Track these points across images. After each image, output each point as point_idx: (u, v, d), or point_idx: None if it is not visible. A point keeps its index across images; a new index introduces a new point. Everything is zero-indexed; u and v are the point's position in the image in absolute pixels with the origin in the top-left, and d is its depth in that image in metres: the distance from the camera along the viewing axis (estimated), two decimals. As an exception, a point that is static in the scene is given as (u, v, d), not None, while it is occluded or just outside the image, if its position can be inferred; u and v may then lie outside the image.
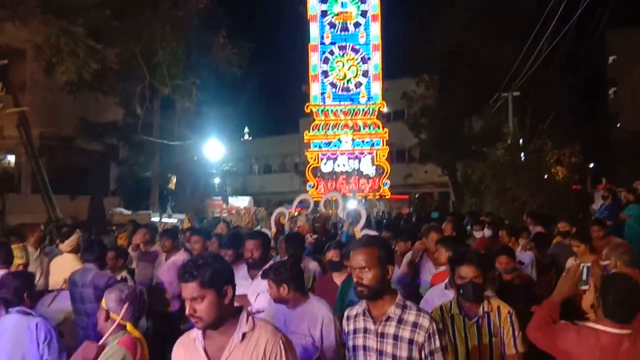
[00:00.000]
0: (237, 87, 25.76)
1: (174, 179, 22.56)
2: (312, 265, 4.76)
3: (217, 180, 26.87)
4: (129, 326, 2.57)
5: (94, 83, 15.78)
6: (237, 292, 2.27)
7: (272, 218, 7.48)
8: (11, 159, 17.61)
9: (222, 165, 24.67)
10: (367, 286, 2.35)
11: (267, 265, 3.56)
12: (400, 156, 31.17)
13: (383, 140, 22.43)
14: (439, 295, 3.51)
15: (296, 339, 2.74)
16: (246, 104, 29.30)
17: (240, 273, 3.76)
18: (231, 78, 20.42)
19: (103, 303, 2.60)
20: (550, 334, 2.56)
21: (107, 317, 2.57)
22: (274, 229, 7.29)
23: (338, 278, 4.33)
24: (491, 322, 2.91)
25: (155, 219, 14.45)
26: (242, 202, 19.03)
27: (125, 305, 2.57)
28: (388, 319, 2.36)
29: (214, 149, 19.83)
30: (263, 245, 4.10)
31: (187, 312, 2.02)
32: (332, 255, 4.44)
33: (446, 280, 3.53)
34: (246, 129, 36.95)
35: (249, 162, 36.22)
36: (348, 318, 2.56)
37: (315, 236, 6.64)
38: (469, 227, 8.80)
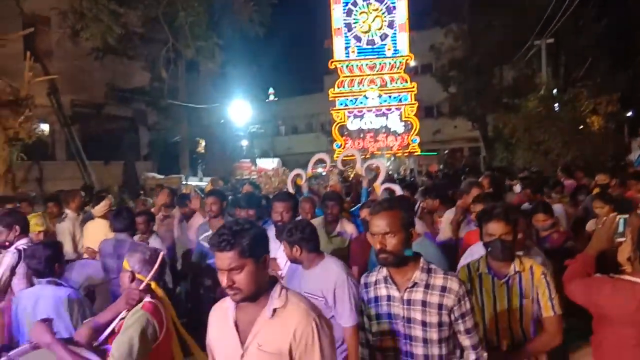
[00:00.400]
0: (261, 47, 25.50)
1: (203, 143, 22.77)
2: (350, 228, 4.60)
3: (245, 143, 26.99)
4: (153, 284, 2.57)
5: (119, 48, 15.84)
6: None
7: (289, 180, 7.21)
8: (45, 127, 18.04)
9: (249, 127, 24.67)
10: (392, 252, 2.20)
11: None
12: (429, 112, 30.55)
13: (411, 95, 21.48)
14: (480, 254, 3.23)
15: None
16: (270, 64, 29.02)
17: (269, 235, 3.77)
18: (254, 37, 20.17)
19: (126, 265, 2.57)
20: (584, 287, 2.50)
21: (133, 279, 2.55)
22: (291, 191, 6.99)
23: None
24: (522, 283, 2.71)
25: (192, 182, 14.67)
26: (269, 163, 19.08)
27: (150, 266, 2.56)
28: (414, 285, 2.23)
29: (239, 111, 19.78)
30: (293, 207, 4.06)
31: (224, 283, 1.84)
32: (365, 214, 4.34)
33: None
34: (271, 90, 36.70)
35: (275, 123, 36.13)
36: (367, 285, 2.40)
37: (348, 198, 6.32)
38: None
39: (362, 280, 2.45)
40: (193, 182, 13.36)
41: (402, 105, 21.58)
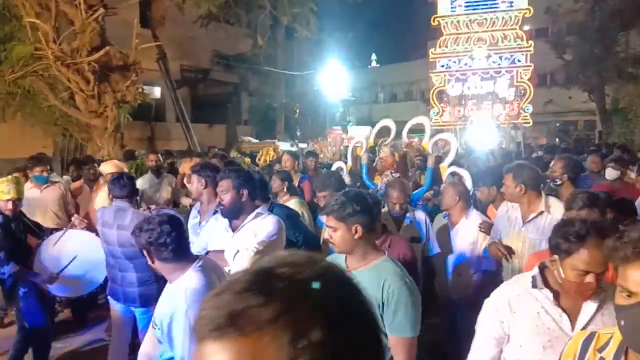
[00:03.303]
0: (359, 12, 24.98)
1: (299, 109, 23.20)
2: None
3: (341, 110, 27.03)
4: None
5: (221, 15, 16.47)
6: None
7: (350, 150, 6.63)
8: (157, 91, 19.45)
9: (344, 94, 24.60)
10: None
11: None
12: (541, 80, 28.18)
13: (527, 56, 18.49)
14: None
15: None
16: (370, 30, 28.46)
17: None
18: (352, 3, 19.80)
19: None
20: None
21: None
22: (349, 163, 6.44)
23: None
24: None
25: (282, 147, 15.10)
26: (363, 131, 18.98)
27: None
28: None
29: (335, 78, 19.74)
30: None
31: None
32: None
33: None
34: (373, 56, 36.14)
35: (374, 90, 35.63)
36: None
37: (397, 174, 5.15)
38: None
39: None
40: (284, 147, 13.72)
41: (515, 67, 18.67)
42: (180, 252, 2.38)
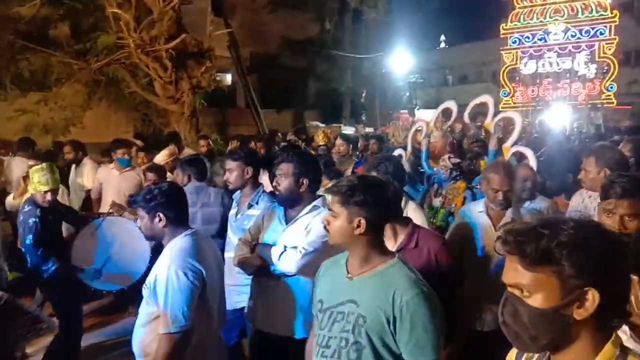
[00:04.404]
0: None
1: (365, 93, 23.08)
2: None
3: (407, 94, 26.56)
4: None
5: (290, 0, 16.63)
6: None
7: (410, 135, 6.14)
8: (228, 77, 20.01)
9: (410, 76, 24.14)
10: None
11: None
12: (624, 58, 26.26)
13: (610, 27, 16.87)
14: None
15: None
16: (440, 10, 27.57)
17: None
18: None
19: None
20: None
21: None
22: (409, 149, 6.04)
23: None
24: None
25: (346, 131, 15.19)
26: (429, 114, 18.52)
27: None
28: None
29: (402, 61, 19.42)
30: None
31: None
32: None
33: None
34: (442, 37, 35.11)
35: (442, 72, 34.65)
36: None
37: (456, 160, 4.70)
38: None
39: None
40: (347, 130, 13.77)
41: (597, 40, 16.93)
42: (177, 220, 2.46)
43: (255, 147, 6.42)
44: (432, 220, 4.20)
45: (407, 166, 5.47)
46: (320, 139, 8.87)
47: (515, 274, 1.12)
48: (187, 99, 10.36)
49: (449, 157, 4.72)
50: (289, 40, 20.62)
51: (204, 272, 2.31)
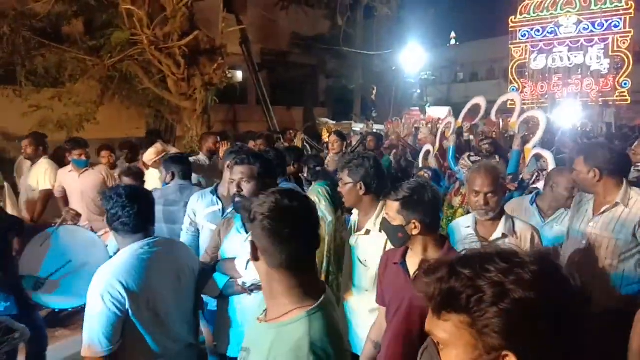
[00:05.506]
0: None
1: (375, 90, 23.01)
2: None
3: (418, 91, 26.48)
4: None
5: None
6: None
7: (438, 133, 6.15)
8: (239, 74, 20.05)
9: (421, 73, 24.00)
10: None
11: None
12: (639, 55, 25.96)
13: (625, 20, 16.17)
14: None
15: None
16: (451, 6, 27.46)
17: None
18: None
19: None
20: None
21: None
22: (437, 145, 5.99)
23: None
24: None
25: (356, 128, 15.16)
26: (440, 112, 18.55)
27: None
28: None
29: (412, 57, 19.31)
30: None
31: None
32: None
33: None
34: (452, 34, 34.93)
35: (453, 69, 34.49)
36: None
37: (476, 159, 4.55)
38: None
39: None
40: (357, 127, 13.76)
41: (611, 34, 16.19)
42: (132, 227, 2.19)
43: (255, 146, 6.36)
44: (450, 219, 4.14)
45: (433, 163, 5.54)
46: (326, 136, 8.90)
47: (429, 321, 0.95)
48: (199, 96, 10.42)
49: (469, 156, 4.59)
50: (299, 37, 20.62)
51: (126, 295, 2.05)
